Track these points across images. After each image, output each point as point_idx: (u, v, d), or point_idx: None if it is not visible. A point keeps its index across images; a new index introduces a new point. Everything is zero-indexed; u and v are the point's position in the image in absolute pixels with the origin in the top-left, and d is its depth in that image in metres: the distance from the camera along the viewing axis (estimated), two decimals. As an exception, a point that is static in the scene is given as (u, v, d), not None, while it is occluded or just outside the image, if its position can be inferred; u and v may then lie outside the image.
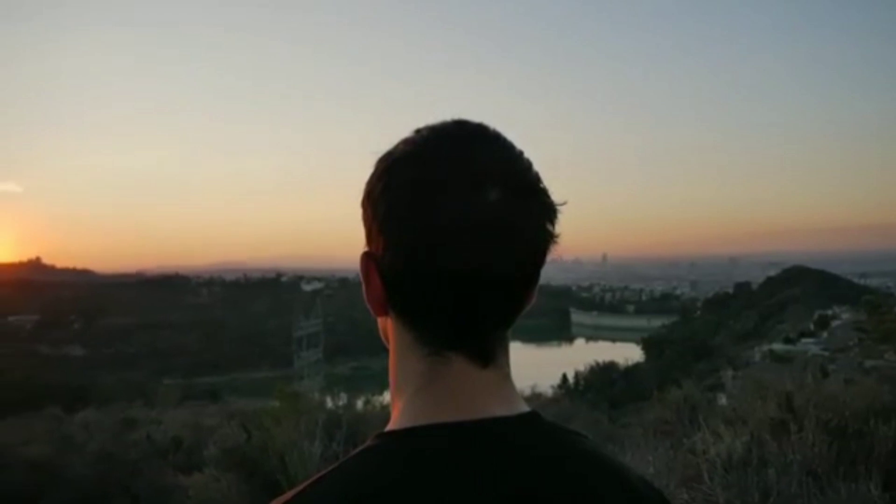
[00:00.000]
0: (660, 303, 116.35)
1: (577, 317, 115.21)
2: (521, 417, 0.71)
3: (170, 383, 50.62)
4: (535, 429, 0.71)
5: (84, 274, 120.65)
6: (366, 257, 0.72)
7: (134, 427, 11.45)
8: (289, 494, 0.65)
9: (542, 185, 0.72)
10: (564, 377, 50.42)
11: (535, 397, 12.83)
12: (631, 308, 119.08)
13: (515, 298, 0.71)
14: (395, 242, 0.68)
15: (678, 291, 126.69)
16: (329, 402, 9.81)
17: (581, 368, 53.41)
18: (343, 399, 10.60)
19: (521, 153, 0.73)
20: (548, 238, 0.71)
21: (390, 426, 0.70)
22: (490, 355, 0.70)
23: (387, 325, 0.75)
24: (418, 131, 0.73)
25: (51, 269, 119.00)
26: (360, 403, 10.13)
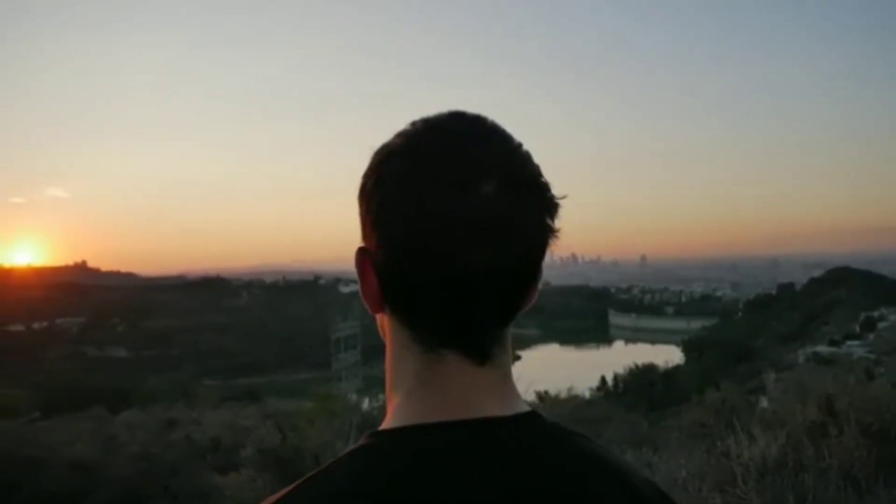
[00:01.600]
0: (700, 304, 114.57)
1: (615, 319, 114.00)
2: (519, 417, 0.69)
3: (211, 384, 51.40)
4: (533, 429, 0.68)
5: (128, 277, 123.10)
6: (361, 253, 0.70)
7: (174, 428, 11.66)
8: (279, 493, 0.64)
9: (540, 179, 0.69)
10: (603, 379, 49.93)
11: (571, 399, 12.72)
12: (670, 310, 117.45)
13: (513, 295, 0.69)
14: (387, 238, 0.67)
15: (719, 293, 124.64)
16: (366, 404, 9.88)
17: (620, 371, 52.83)
18: (379, 400, 10.65)
19: (518, 146, 0.70)
20: (546, 233, 0.69)
21: (384, 425, 0.68)
22: (487, 353, 0.68)
23: (384, 322, 0.73)
24: (413, 124, 0.70)
25: (96, 273, 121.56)
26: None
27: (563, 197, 0.70)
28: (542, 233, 0.69)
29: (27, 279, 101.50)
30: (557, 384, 14.26)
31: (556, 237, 0.70)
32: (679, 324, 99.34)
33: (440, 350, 0.67)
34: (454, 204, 0.64)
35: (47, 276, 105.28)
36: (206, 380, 58.75)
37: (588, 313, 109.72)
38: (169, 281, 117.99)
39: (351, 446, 0.67)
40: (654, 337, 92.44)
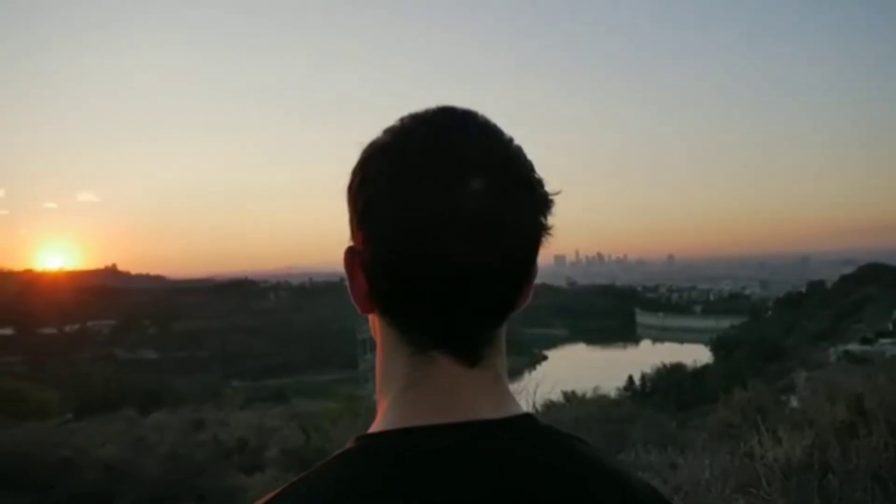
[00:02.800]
0: (728, 303, 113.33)
1: (642, 318, 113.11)
2: (512, 420, 0.66)
3: (239, 385, 51.84)
4: (525, 431, 0.66)
5: (157, 280, 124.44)
6: (349, 253, 0.69)
7: (202, 429, 11.78)
8: (268, 496, 0.62)
9: (532, 175, 0.67)
10: (630, 379, 49.57)
11: (597, 399, 12.62)
12: (698, 309, 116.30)
13: (505, 295, 0.66)
14: (373, 237, 0.65)
15: (747, 291, 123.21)
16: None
17: (647, 370, 52.41)
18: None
19: (509, 141, 0.68)
20: (538, 231, 0.67)
21: (373, 428, 0.67)
22: (477, 355, 0.66)
23: (375, 323, 0.72)
24: (401, 119, 0.68)
25: (126, 276, 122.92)
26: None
27: (557, 193, 0.68)
28: (535, 230, 0.67)
29: (60, 282, 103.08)
30: (584, 384, 14.16)
31: (550, 234, 0.68)
32: (707, 323, 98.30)
33: (430, 351, 0.66)
34: (441, 201, 0.62)
35: (79, 280, 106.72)
36: (235, 381, 59.28)
37: (615, 313, 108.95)
38: (198, 283, 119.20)
39: (339, 450, 0.65)
40: (682, 336, 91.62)
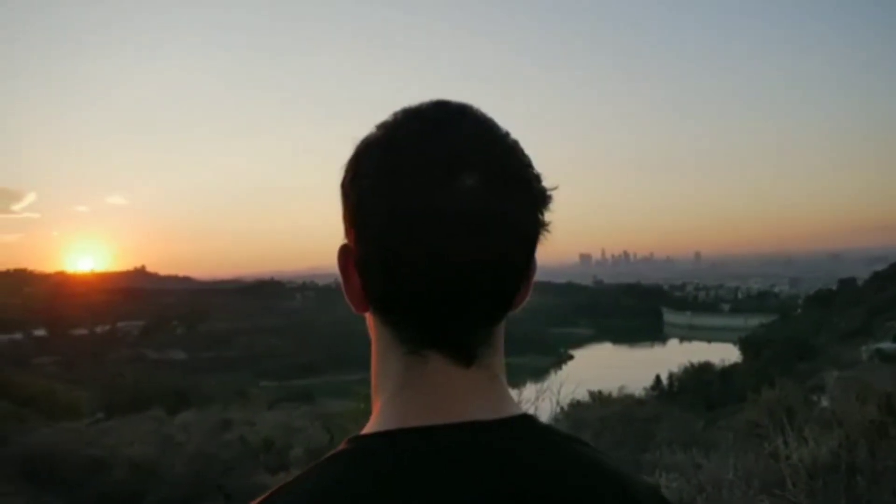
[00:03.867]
0: (757, 301, 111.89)
1: (669, 316, 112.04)
2: (508, 421, 0.65)
3: (266, 385, 52.26)
4: (522, 433, 0.65)
5: (185, 281, 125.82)
6: (343, 251, 0.68)
7: (229, 428, 11.89)
8: (261, 497, 0.61)
9: (528, 170, 0.65)
10: (658, 378, 49.16)
11: (622, 399, 12.55)
12: (726, 307, 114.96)
13: (500, 293, 0.65)
14: (365, 235, 0.64)
15: (776, 289, 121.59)
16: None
17: (675, 369, 51.95)
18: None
19: (505, 135, 0.66)
20: (533, 227, 0.65)
21: (366, 429, 0.66)
22: (472, 354, 0.65)
23: (370, 322, 0.70)
24: (395, 114, 0.67)
25: (154, 277, 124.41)
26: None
27: (554, 189, 0.67)
28: (530, 227, 0.65)
29: (90, 284, 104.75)
30: (611, 383, 14.09)
31: (547, 231, 0.67)
32: (736, 321, 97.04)
33: (424, 351, 0.64)
34: (433, 197, 0.60)
35: (109, 281, 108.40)
36: (262, 381, 59.74)
37: (641, 312, 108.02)
38: (225, 284, 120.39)
39: (332, 451, 0.64)
40: (710, 335, 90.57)
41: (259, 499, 0.61)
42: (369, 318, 0.70)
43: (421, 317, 0.63)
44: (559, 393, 7.18)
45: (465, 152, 0.62)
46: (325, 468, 0.63)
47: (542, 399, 7.31)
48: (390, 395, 0.66)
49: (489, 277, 0.62)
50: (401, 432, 0.63)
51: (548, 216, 0.67)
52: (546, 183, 0.67)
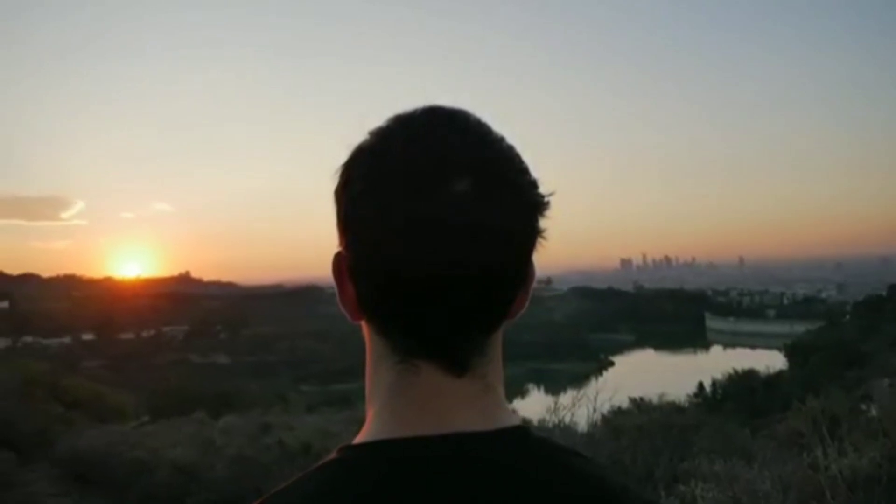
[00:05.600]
0: (803, 307, 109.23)
1: (712, 322, 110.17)
2: (501, 432, 0.64)
3: (307, 390, 52.79)
4: (515, 444, 0.64)
5: (228, 286, 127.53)
6: (337, 258, 0.67)
7: (269, 432, 12.04)
8: None
9: (521, 176, 0.64)
10: (700, 385, 48.36)
11: (662, 406, 12.37)
12: (771, 313, 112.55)
13: (493, 302, 0.63)
14: (356, 242, 0.63)
15: (823, 294, 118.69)
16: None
17: (718, 376, 51.04)
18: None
19: (499, 140, 0.65)
20: (527, 234, 0.64)
21: (358, 438, 0.65)
22: (465, 364, 0.64)
23: (365, 331, 0.70)
24: (388, 120, 0.66)
25: (198, 283, 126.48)
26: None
27: (550, 195, 0.65)
28: (524, 233, 0.64)
29: (136, 289, 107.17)
30: (652, 390, 13.92)
31: (543, 238, 0.66)
32: (781, 327, 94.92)
33: (415, 361, 0.64)
34: (421, 204, 0.59)
35: (154, 287, 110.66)
36: (303, 385, 60.40)
37: (683, 317, 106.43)
38: (267, 290, 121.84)
39: (321, 460, 0.65)
40: (755, 341, 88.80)
41: None
42: (364, 327, 0.69)
43: (412, 326, 0.63)
44: (595, 399, 7.14)
45: (456, 158, 0.61)
46: (314, 477, 0.63)
47: (578, 406, 7.29)
48: (382, 405, 0.66)
49: (480, 286, 0.61)
50: (390, 443, 0.62)
51: (544, 223, 0.65)
52: (542, 189, 0.65)
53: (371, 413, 0.67)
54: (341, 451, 0.64)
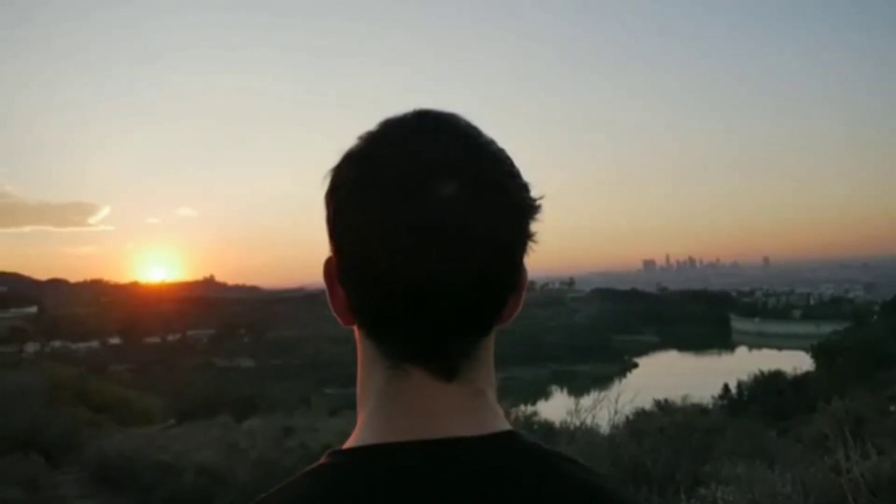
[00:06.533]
0: (830, 307, 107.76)
1: (737, 324, 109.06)
2: (491, 437, 0.63)
3: (330, 392, 52.99)
4: (502, 449, 0.63)
5: (252, 290, 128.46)
6: (327, 263, 0.67)
7: (292, 435, 12.13)
8: None
9: (512, 180, 0.64)
10: (726, 387, 47.91)
11: (684, 408, 12.28)
12: (797, 313, 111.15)
13: (482, 307, 0.63)
14: (343, 248, 0.64)
15: (851, 295, 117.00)
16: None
17: (744, 378, 50.54)
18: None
19: (487, 144, 0.65)
20: (516, 238, 0.63)
21: (347, 443, 0.65)
22: (453, 369, 0.63)
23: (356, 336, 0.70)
24: (378, 124, 0.66)
25: (223, 287, 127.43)
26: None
27: (541, 198, 0.65)
28: (512, 238, 0.63)
29: (162, 294, 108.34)
30: (676, 392, 13.84)
31: (534, 242, 0.65)
32: (807, 328, 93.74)
33: (404, 365, 0.63)
34: (407, 208, 0.59)
35: (179, 291, 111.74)
36: (326, 388, 60.59)
37: (708, 318, 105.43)
38: (290, 293, 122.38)
39: (311, 465, 0.65)
40: (781, 342, 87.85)
41: None
42: (356, 332, 0.69)
43: (401, 331, 0.62)
44: (617, 402, 7.11)
45: (442, 162, 0.61)
46: (302, 483, 0.63)
47: (599, 407, 7.26)
48: (371, 410, 0.66)
49: (467, 290, 0.60)
50: (378, 448, 0.62)
51: (535, 226, 0.65)
52: (533, 192, 0.65)
53: (361, 417, 0.67)
54: (331, 456, 0.64)
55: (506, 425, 0.66)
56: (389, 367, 0.64)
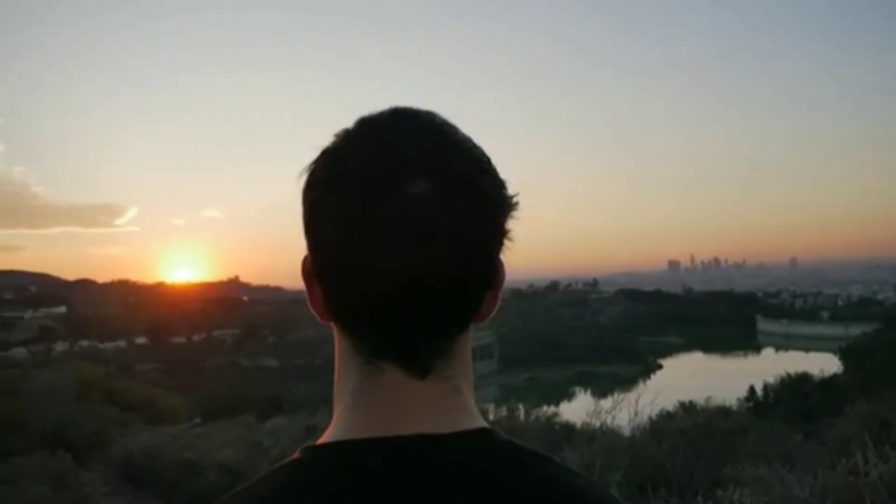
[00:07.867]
0: (859, 308, 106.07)
1: (764, 325, 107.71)
2: (463, 434, 0.64)
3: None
4: (475, 447, 0.63)
5: (276, 291, 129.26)
6: (304, 261, 0.68)
7: (314, 434, 12.19)
8: None
9: (484, 177, 0.63)
10: (752, 389, 47.34)
11: (706, 410, 12.18)
12: (825, 315, 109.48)
13: (455, 304, 0.63)
14: (316, 246, 0.64)
15: (880, 296, 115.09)
16: (492, 412, 10.03)
17: (770, 380, 49.88)
18: (520, 409, 10.78)
19: (462, 141, 0.65)
20: (490, 235, 0.63)
21: (321, 439, 0.66)
22: (426, 366, 0.64)
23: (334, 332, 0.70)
24: (354, 122, 0.67)
25: (247, 287, 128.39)
26: (521, 414, 10.20)
27: (516, 195, 0.65)
28: (486, 235, 0.63)
29: (188, 294, 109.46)
30: (701, 394, 13.72)
31: (509, 239, 0.65)
32: (835, 330, 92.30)
33: (378, 362, 0.64)
34: (379, 206, 0.59)
35: (205, 291, 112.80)
36: (349, 388, 60.93)
37: (733, 320, 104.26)
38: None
39: (283, 460, 0.65)
40: (808, 344, 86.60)
41: None
42: (333, 329, 0.70)
43: (374, 328, 0.63)
44: (637, 402, 7.07)
45: (414, 159, 0.61)
46: (274, 478, 0.63)
47: (620, 409, 7.23)
48: (346, 406, 0.66)
49: (439, 288, 0.60)
50: (349, 444, 0.63)
51: (511, 223, 0.65)
52: (509, 190, 0.65)
53: (336, 413, 0.67)
54: (304, 452, 0.64)
55: (481, 422, 0.66)
56: (365, 363, 0.65)
